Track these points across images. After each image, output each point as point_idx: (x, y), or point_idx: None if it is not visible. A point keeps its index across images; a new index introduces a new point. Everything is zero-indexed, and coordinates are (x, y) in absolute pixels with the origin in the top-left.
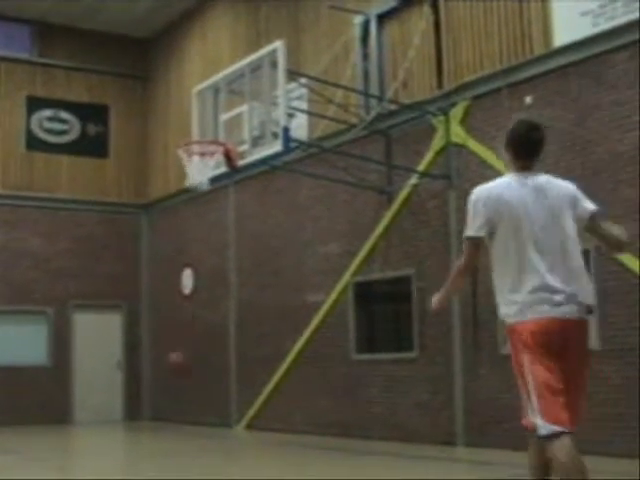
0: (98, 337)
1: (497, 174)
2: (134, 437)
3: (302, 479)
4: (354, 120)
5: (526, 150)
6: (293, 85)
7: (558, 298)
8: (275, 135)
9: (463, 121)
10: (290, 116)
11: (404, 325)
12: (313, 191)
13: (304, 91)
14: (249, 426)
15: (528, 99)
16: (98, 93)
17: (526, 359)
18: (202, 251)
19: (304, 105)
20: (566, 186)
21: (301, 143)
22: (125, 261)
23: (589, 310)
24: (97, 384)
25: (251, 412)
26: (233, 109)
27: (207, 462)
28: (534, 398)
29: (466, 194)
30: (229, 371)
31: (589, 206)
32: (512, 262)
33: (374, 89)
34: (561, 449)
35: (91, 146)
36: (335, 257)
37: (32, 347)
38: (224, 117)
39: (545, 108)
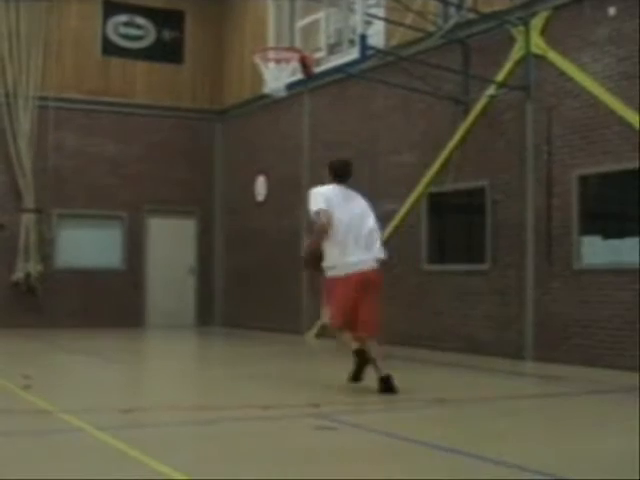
0: (172, 242)
1: (577, 86)
2: (204, 342)
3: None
4: (432, 28)
5: (342, 175)
6: None
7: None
8: (352, 42)
9: (543, 32)
10: (367, 23)
11: (477, 237)
12: (389, 100)
13: None
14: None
15: (612, 10)
16: None
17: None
18: (276, 158)
19: (381, 12)
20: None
21: (378, 51)
22: (199, 167)
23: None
24: (170, 289)
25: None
26: (309, 15)
27: (273, 364)
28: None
29: (545, 106)
30: (301, 279)
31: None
32: (340, 238)
33: None
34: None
35: (166, 52)
36: (409, 167)
37: (107, 251)
38: (300, 24)
39: (629, 20)
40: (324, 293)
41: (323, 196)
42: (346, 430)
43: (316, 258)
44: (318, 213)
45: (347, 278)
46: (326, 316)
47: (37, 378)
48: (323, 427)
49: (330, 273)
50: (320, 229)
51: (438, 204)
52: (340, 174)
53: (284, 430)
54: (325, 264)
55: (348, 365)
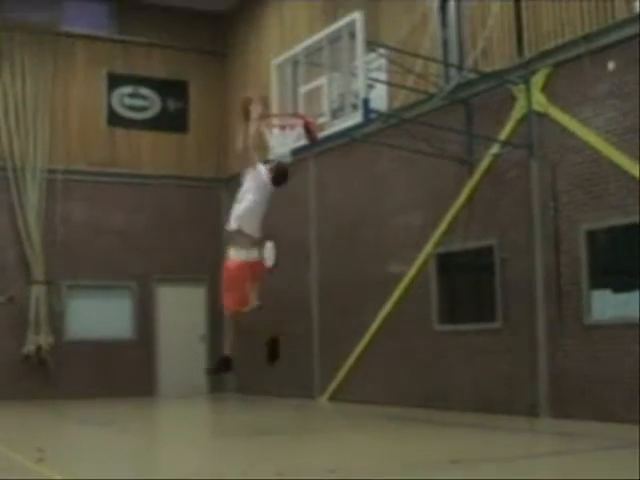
0: (182, 310)
1: (579, 142)
2: (216, 410)
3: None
4: (434, 90)
5: (281, 180)
6: (372, 56)
7: None
8: (355, 106)
9: (544, 89)
10: (369, 87)
11: (487, 296)
12: (393, 162)
13: (383, 61)
14: (332, 397)
15: (611, 65)
16: (177, 69)
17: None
18: (283, 223)
19: (383, 76)
20: None
21: (381, 114)
22: (207, 234)
23: None
24: (181, 357)
25: (334, 384)
26: (312, 81)
27: (287, 429)
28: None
29: (549, 163)
30: (312, 343)
31: None
32: None
33: (453, 58)
34: None
35: (171, 121)
36: (416, 228)
37: (118, 321)
38: (303, 89)
39: (628, 74)
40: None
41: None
42: None
43: None
44: None
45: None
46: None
47: (50, 450)
48: None
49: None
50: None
51: (447, 264)
52: (279, 180)
53: None
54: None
55: (362, 427)
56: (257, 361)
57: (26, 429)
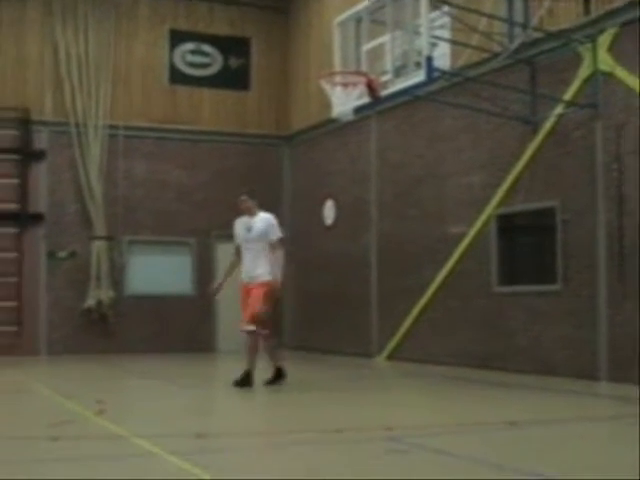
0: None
1: None
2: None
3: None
4: (498, 49)
5: None
6: (436, 13)
7: None
8: (418, 65)
9: (611, 49)
10: (433, 45)
11: (547, 258)
12: (456, 121)
13: (447, 19)
14: (390, 357)
15: None
16: (240, 26)
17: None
18: (343, 182)
19: (447, 34)
20: None
21: (444, 73)
22: (267, 193)
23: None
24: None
25: (392, 343)
26: (375, 39)
27: (344, 387)
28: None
29: (614, 124)
30: (370, 302)
31: None
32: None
33: (518, 16)
34: None
35: (233, 79)
36: (477, 188)
37: (177, 277)
38: (366, 47)
39: None
40: (261, 299)
41: (278, 224)
42: (418, 453)
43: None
44: (281, 240)
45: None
46: (249, 322)
47: (110, 403)
48: (395, 450)
49: (271, 281)
50: (285, 254)
51: (507, 225)
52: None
53: (357, 454)
54: (268, 274)
55: (420, 387)
56: (314, 319)
57: (87, 382)
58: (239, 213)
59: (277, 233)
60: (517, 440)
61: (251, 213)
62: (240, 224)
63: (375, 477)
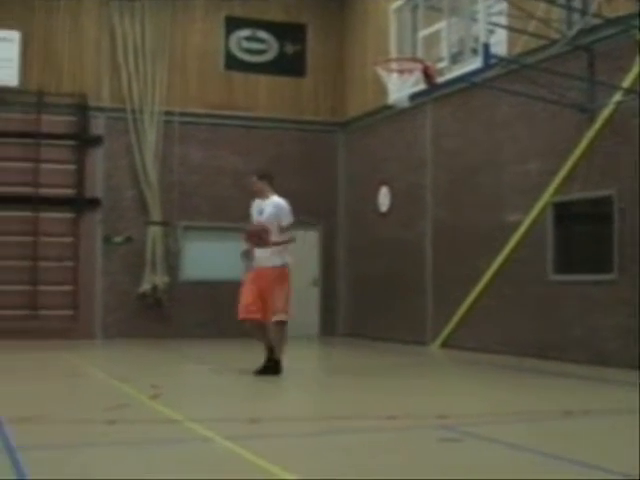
0: (295, 254)
1: None
2: (328, 352)
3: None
4: (555, 35)
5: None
6: (493, 0)
7: None
8: (474, 51)
9: None
10: (490, 32)
11: (604, 246)
12: (512, 108)
13: (504, 6)
14: (444, 344)
15: None
16: (295, 12)
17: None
18: (398, 169)
19: (504, 20)
20: None
21: (501, 59)
22: (322, 179)
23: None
24: (294, 300)
25: (446, 330)
26: (431, 25)
27: (398, 374)
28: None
29: None
30: (425, 289)
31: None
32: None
33: (577, 3)
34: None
35: (288, 65)
36: (534, 176)
37: (231, 263)
38: (422, 34)
39: None
40: (280, 287)
41: (290, 209)
42: (471, 442)
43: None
44: (290, 225)
45: (288, 272)
46: (284, 312)
47: (165, 388)
48: (448, 439)
49: (284, 268)
50: (292, 240)
51: (564, 213)
52: (273, 182)
53: (409, 441)
54: (279, 259)
55: (474, 375)
56: (368, 306)
57: (141, 366)
58: (253, 195)
59: (288, 218)
60: (572, 430)
61: (263, 196)
62: (255, 206)
63: (429, 465)
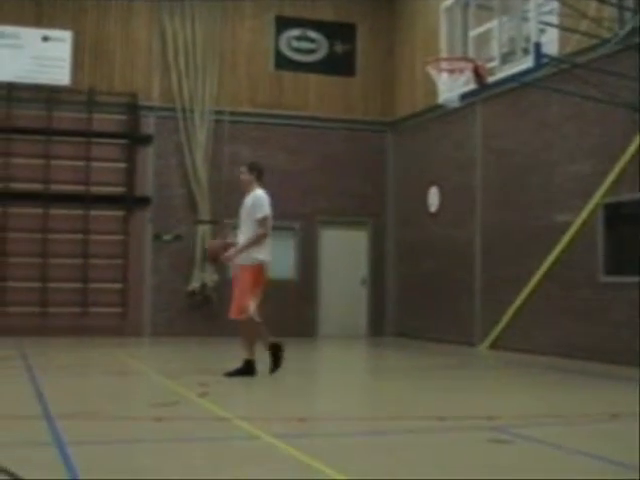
0: (344, 253)
1: None
2: (377, 352)
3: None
4: (607, 34)
5: (261, 178)
6: None
7: None
8: (525, 51)
9: None
10: (541, 31)
11: None
12: (563, 108)
13: (555, 4)
14: (493, 345)
15: None
16: (345, 12)
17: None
18: (448, 169)
19: (555, 19)
20: None
21: (552, 59)
22: (371, 178)
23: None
24: (342, 299)
25: (495, 331)
26: (482, 24)
27: (447, 375)
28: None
29: None
30: (474, 289)
31: None
32: (269, 238)
33: (629, 1)
34: None
35: (338, 64)
36: (585, 177)
37: (281, 262)
38: (473, 33)
39: None
40: (245, 285)
41: (267, 202)
42: (520, 444)
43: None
44: (265, 219)
45: (263, 271)
46: (247, 309)
47: (213, 385)
48: (498, 440)
49: (254, 265)
50: (262, 236)
51: (614, 214)
52: (262, 177)
53: (459, 442)
54: (252, 260)
55: (522, 377)
56: (416, 306)
57: (189, 364)
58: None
59: (262, 211)
60: (620, 433)
61: (248, 189)
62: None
63: (481, 466)
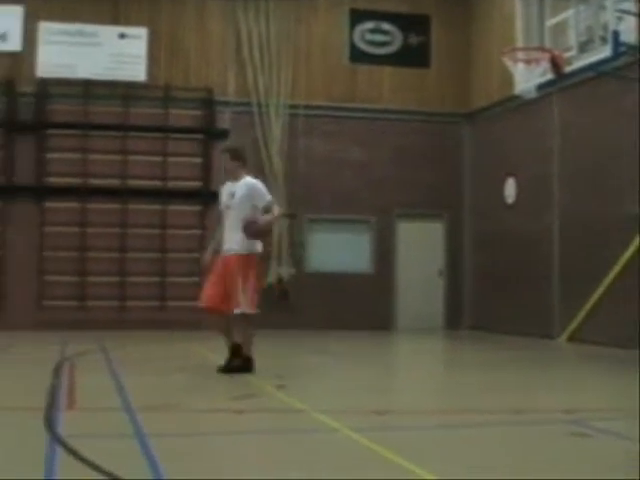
0: (420, 246)
1: None
2: (453, 345)
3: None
4: None
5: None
6: None
7: None
8: (603, 40)
9: None
10: (619, 19)
11: None
12: None
13: None
14: (571, 338)
15: None
16: (419, 3)
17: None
18: (525, 160)
19: (633, 7)
20: None
21: (631, 47)
22: (447, 170)
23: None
24: (419, 292)
25: (573, 324)
26: (559, 14)
27: (524, 368)
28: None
29: None
30: (552, 281)
31: None
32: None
33: None
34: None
35: (412, 56)
36: None
37: (356, 255)
38: (549, 22)
39: None
40: (244, 277)
41: (265, 188)
42: (601, 437)
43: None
44: (273, 203)
45: (256, 261)
46: (248, 304)
47: (290, 378)
48: (577, 434)
49: (251, 256)
50: (277, 218)
51: None
52: (246, 163)
53: (537, 436)
54: (249, 249)
55: (602, 370)
56: (494, 298)
57: (267, 357)
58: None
59: (264, 198)
60: None
61: (235, 177)
62: (225, 189)
63: (560, 461)
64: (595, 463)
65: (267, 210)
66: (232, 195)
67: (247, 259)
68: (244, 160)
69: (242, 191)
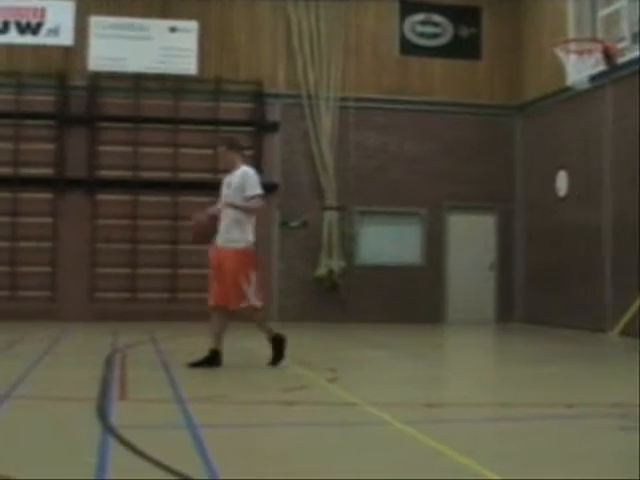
0: (471, 238)
1: None
2: (504, 338)
3: None
4: None
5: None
6: None
7: None
8: None
9: None
10: None
11: None
12: None
13: None
14: (623, 332)
15: None
16: None
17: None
18: (577, 152)
19: None
20: None
21: None
22: (498, 163)
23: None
24: (470, 285)
25: (625, 318)
26: (611, 4)
27: (575, 362)
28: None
29: None
30: (604, 275)
31: None
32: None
33: None
34: None
35: (463, 48)
36: None
37: (407, 247)
38: (602, 13)
39: None
40: (236, 270)
41: (258, 180)
42: None
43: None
44: (254, 198)
45: (253, 254)
46: (253, 298)
47: (342, 371)
48: (629, 428)
49: (242, 248)
50: (255, 212)
51: None
52: (243, 153)
53: (588, 429)
54: (244, 244)
55: None
56: (545, 292)
57: (318, 349)
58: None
59: (254, 189)
60: None
61: (232, 167)
62: (225, 181)
63: (610, 454)
64: None
65: (247, 202)
66: (229, 186)
67: (245, 253)
68: (240, 148)
69: (236, 181)
